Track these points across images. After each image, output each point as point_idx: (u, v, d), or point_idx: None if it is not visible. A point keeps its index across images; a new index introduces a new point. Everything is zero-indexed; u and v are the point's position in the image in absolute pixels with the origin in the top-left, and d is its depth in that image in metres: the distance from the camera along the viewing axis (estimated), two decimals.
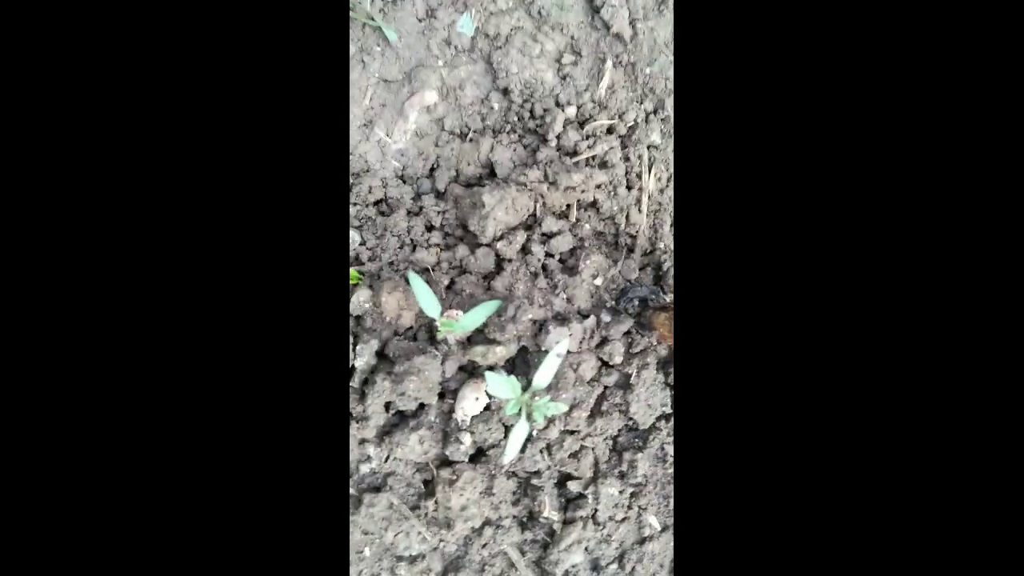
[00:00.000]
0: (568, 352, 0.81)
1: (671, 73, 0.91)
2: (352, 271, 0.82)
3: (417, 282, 0.77)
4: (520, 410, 0.76)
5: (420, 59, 0.91)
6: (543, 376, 0.76)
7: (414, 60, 0.91)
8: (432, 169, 0.90)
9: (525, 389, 0.77)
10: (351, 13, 0.87)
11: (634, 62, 0.91)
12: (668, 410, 0.87)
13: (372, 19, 0.89)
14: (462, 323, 0.77)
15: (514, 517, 0.86)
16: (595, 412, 0.84)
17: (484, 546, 0.86)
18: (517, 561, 0.87)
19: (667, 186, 0.91)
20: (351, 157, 0.88)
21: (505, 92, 0.90)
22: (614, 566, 0.87)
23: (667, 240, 0.90)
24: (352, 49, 0.89)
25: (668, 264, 0.87)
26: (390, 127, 0.91)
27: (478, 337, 0.82)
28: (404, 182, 0.89)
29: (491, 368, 0.80)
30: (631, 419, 0.85)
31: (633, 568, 0.87)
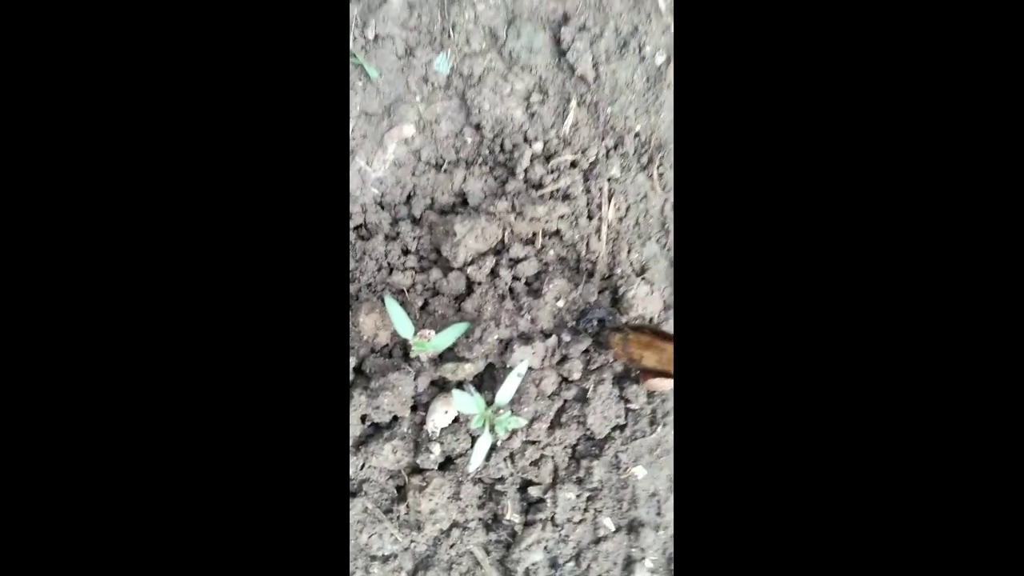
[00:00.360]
0: (531, 369, 0.89)
1: (631, 112, 0.99)
2: None
3: (392, 305, 0.84)
4: (484, 423, 0.84)
5: (399, 95, 0.98)
6: (504, 393, 0.83)
7: (393, 95, 0.98)
8: (409, 197, 0.98)
9: (489, 404, 0.85)
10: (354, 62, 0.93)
11: (596, 102, 0.98)
12: (622, 421, 0.95)
13: (355, 56, 0.95)
14: (434, 343, 0.85)
15: (479, 520, 0.94)
16: (555, 423, 0.92)
17: (452, 546, 0.93)
18: (482, 560, 0.94)
19: (625, 215, 1.00)
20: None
21: (478, 127, 0.97)
22: (571, 564, 0.95)
23: (623, 266, 0.98)
24: (351, 82, 0.96)
25: (624, 288, 0.95)
26: (370, 157, 0.98)
27: (448, 354, 0.89)
28: (382, 208, 0.96)
29: (460, 384, 0.87)
30: (588, 430, 0.93)
31: (588, 566, 0.95)
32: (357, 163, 0.96)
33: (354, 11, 0.97)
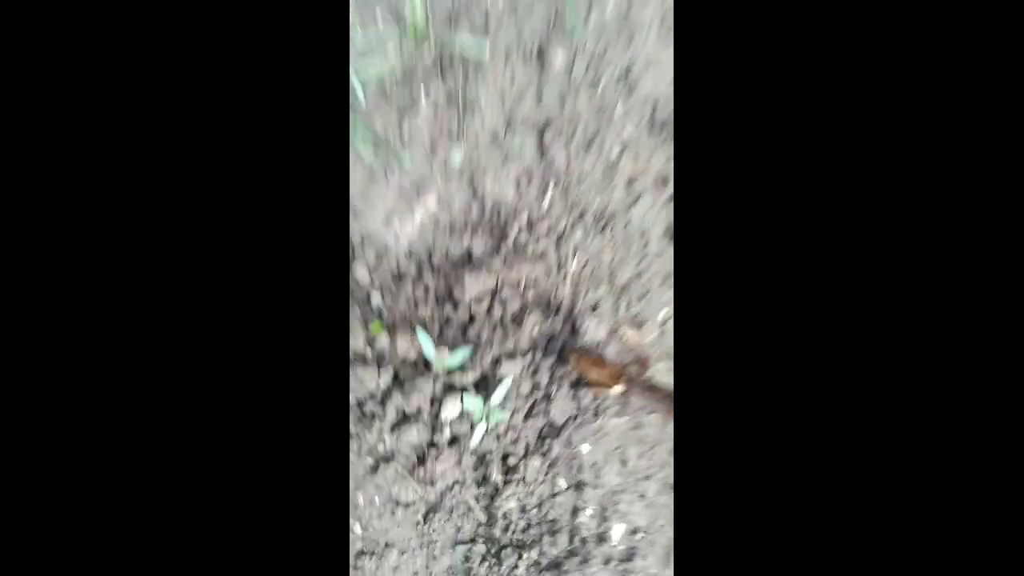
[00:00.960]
0: (512, 377, 1.28)
1: (591, 193, 1.37)
2: (376, 322, 1.27)
3: (422, 333, 1.22)
4: (482, 416, 1.24)
5: (425, 176, 1.34)
6: (497, 395, 1.23)
7: (421, 177, 1.34)
8: (430, 252, 1.35)
9: (485, 402, 1.24)
10: (381, 146, 1.29)
11: (567, 186, 1.36)
12: (574, 413, 1.35)
13: (393, 147, 1.31)
14: (448, 361, 1.23)
15: (473, 479, 1.34)
16: (528, 414, 1.32)
17: (453, 497, 1.34)
18: (474, 507, 1.35)
19: (584, 267, 1.38)
20: (378, 245, 1.31)
21: (482, 202, 1.34)
22: (535, 510, 1.37)
23: (580, 305, 1.37)
24: (379, 167, 1.32)
25: (580, 321, 1.35)
26: (403, 221, 1.34)
27: (457, 367, 1.28)
28: (411, 260, 1.34)
29: (464, 388, 1.26)
30: (550, 419, 1.33)
31: (547, 512, 1.37)
32: (393, 225, 1.33)
33: (393, 114, 1.32)
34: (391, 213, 1.33)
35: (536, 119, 1.35)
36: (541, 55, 1.34)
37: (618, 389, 1.20)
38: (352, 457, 1.28)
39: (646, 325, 1.43)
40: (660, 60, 1.36)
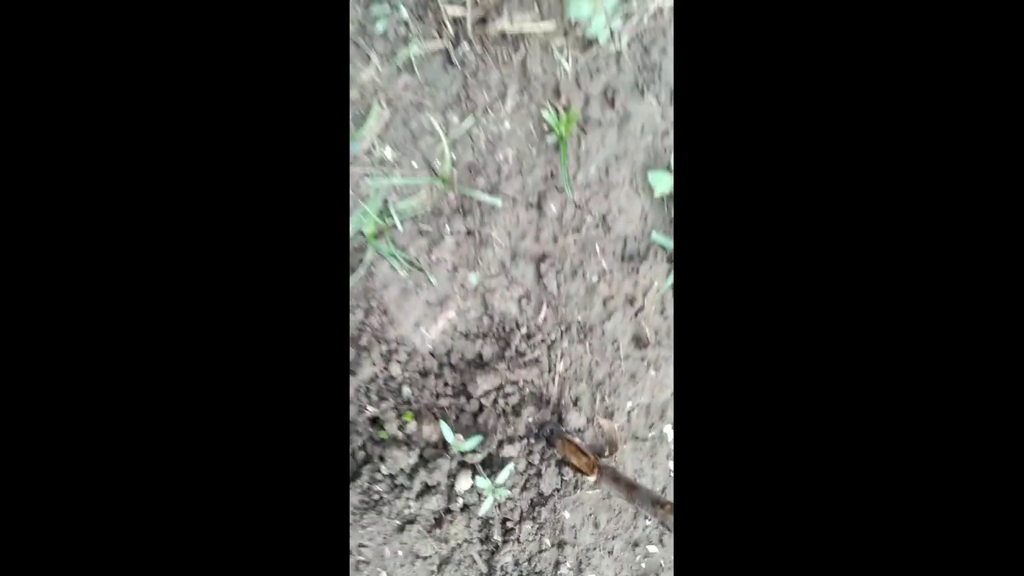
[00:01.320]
0: (512, 458, 1.63)
1: (574, 311, 1.75)
2: (407, 413, 1.61)
3: (443, 424, 1.57)
4: (489, 492, 1.58)
5: (448, 293, 1.70)
6: (501, 477, 1.58)
7: (444, 294, 1.70)
8: (449, 353, 1.70)
9: (491, 479, 1.59)
10: (414, 267, 1.65)
11: (557, 306, 1.74)
12: (558, 487, 1.70)
13: (424, 270, 1.67)
14: (463, 445, 1.58)
15: (478, 538, 1.67)
16: (523, 487, 1.67)
17: (462, 552, 1.66)
18: (478, 560, 1.68)
19: (568, 369, 1.76)
20: (408, 346, 1.66)
21: (491, 316, 1.71)
22: (526, 563, 1.70)
23: (565, 399, 1.74)
24: (412, 283, 1.68)
25: (565, 413, 1.71)
26: (428, 327, 1.70)
27: (470, 450, 1.63)
28: (434, 358, 1.68)
29: (474, 467, 1.61)
30: (540, 491, 1.68)
31: (535, 565, 1.70)
32: (420, 331, 1.69)
33: (424, 243, 1.69)
34: (420, 321, 1.68)
35: (535, 252, 1.74)
36: (540, 203, 1.74)
37: (591, 479, 1.55)
38: (383, 519, 1.60)
39: (616, 414, 1.81)
40: (630, 209, 1.77)
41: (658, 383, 1.86)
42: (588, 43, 1.71)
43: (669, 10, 1.71)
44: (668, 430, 1.93)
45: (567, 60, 1.70)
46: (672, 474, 1.93)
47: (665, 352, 1.84)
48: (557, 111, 1.70)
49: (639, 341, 1.83)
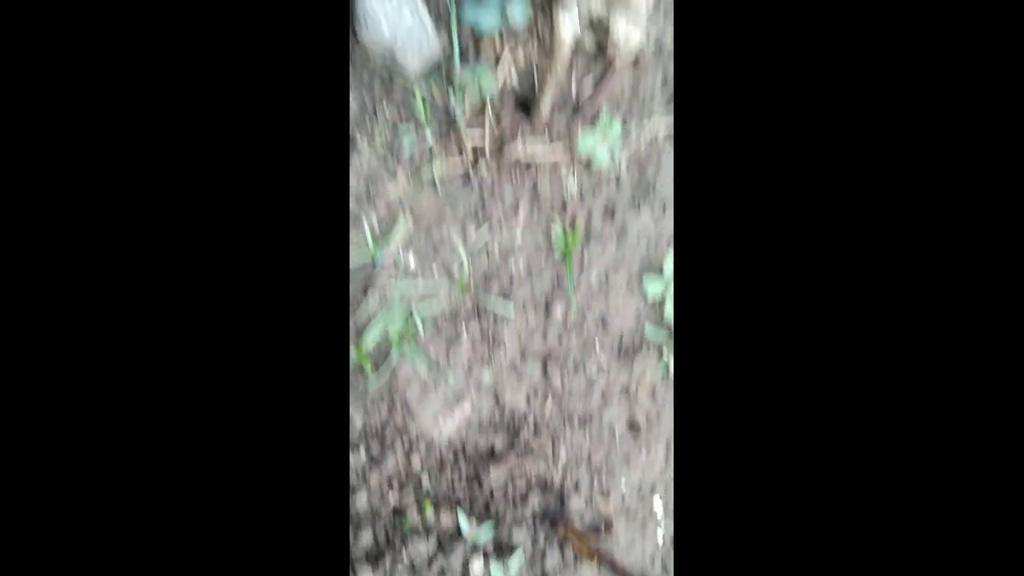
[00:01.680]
0: (520, 544, 1.81)
1: (576, 405, 1.94)
2: (428, 502, 1.77)
3: (460, 512, 1.73)
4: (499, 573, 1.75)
5: (463, 389, 1.88)
6: (514, 563, 1.75)
7: (459, 389, 1.87)
8: (463, 443, 1.87)
9: (501, 561, 1.76)
10: (432, 365, 1.82)
11: (560, 399, 1.93)
12: (561, 564, 1.88)
13: (443, 371, 1.84)
14: (477, 534, 1.75)
15: None
16: (529, 563, 1.84)
17: None
18: None
19: (567, 458, 1.94)
20: (427, 439, 1.82)
21: (502, 410, 1.89)
22: None
23: (568, 484, 1.92)
24: (431, 380, 1.85)
25: (566, 498, 1.89)
26: (445, 420, 1.87)
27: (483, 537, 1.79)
28: (450, 449, 1.85)
29: (485, 553, 1.78)
30: (544, 569, 1.86)
31: None
32: (439, 424, 1.86)
33: (442, 343, 1.87)
34: (437, 414, 1.86)
35: (542, 352, 1.93)
36: (547, 307, 1.93)
37: (592, 565, 1.73)
38: None
39: (612, 494, 2.00)
40: (626, 308, 1.98)
41: (648, 463, 2.06)
42: (591, 165, 1.92)
43: (663, 139, 1.93)
44: (657, 504, 2.13)
45: (573, 181, 1.91)
46: (660, 544, 2.12)
47: (655, 434, 2.04)
48: (564, 228, 1.90)
49: (632, 425, 2.03)
